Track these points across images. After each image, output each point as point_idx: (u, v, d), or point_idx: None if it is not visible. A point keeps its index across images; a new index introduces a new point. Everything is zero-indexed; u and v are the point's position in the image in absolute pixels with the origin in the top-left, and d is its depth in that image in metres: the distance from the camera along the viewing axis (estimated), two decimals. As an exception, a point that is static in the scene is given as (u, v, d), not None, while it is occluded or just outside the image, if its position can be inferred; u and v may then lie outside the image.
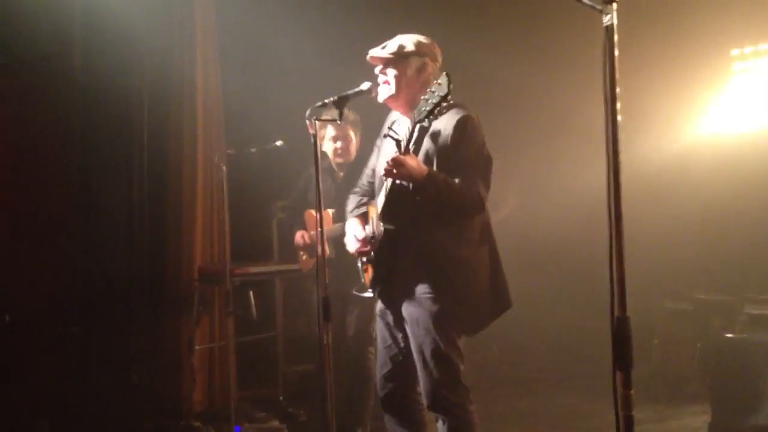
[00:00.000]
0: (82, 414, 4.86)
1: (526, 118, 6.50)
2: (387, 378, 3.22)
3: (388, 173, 2.89)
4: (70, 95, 5.19)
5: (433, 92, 2.76)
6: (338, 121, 3.15)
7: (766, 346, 4.57)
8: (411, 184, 2.89)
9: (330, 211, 4.47)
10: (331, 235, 4.29)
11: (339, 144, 4.59)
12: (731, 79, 5.98)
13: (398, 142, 2.93)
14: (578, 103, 5.60)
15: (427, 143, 3.00)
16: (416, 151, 3.01)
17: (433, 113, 2.79)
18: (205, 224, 5.48)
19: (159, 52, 5.41)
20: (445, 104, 2.76)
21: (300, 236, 4.74)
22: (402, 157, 2.87)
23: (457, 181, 2.91)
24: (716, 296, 5.48)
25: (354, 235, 3.30)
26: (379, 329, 3.28)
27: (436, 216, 2.97)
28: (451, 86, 2.70)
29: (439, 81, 2.75)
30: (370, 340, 4.44)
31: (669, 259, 6.05)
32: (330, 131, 4.57)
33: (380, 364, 3.27)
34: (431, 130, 2.97)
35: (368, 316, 4.38)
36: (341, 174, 4.63)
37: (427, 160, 2.99)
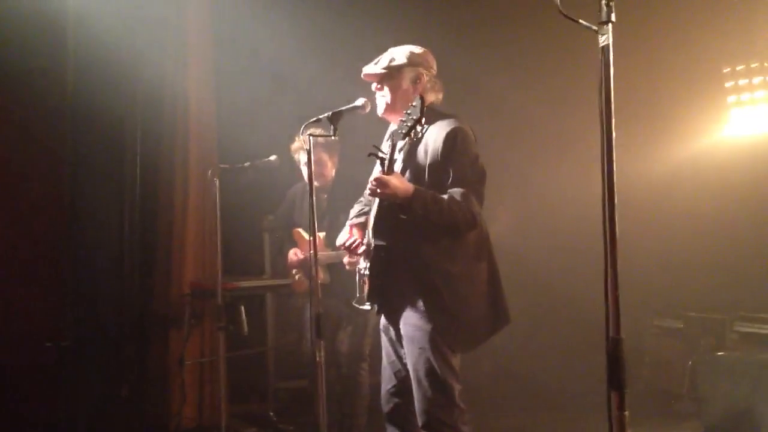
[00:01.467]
0: (72, 428, 4.82)
1: (521, 135, 6.52)
2: (392, 394, 3.18)
3: (372, 193, 2.89)
4: (62, 109, 5.17)
5: (409, 114, 2.81)
6: (333, 137, 3.14)
7: (756, 363, 4.58)
8: (396, 203, 2.88)
9: (321, 235, 4.45)
10: (324, 261, 4.28)
11: (313, 169, 4.55)
12: (723, 98, 6.03)
13: (382, 161, 2.92)
14: (574, 120, 5.62)
15: (418, 156, 2.99)
16: (407, 165, 3.00)
17: (409, 135, 2.83)
18: (197, 239, 5.47)
19: (152, 66, 5.40)
20: (420, 128, 2.80)
21: (293, 253, 4.72)
22: (385, 177, 2.86)
23: (446, 197, 2.89)
24: (707, 314, 5.49)
25: (342, 238, 3.30)
26: (384, 344, 3.24)
27: (426, 232, 2.94)
28: (425, 110, 2.76)
29: (414, 104, 2.80)
30: (363, 356, 4.44)
31: (660, 277, 6.06)
32: (303, 156, 4.48)
33: (385, 379, 3.22)
34: (422, 143, 2.97)
35: (361, 333, 4.38)
36: (325, 196, 4.61)
37: (419, 173, 2.98)
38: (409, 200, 2.84)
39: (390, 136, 2.91)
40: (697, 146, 6.12)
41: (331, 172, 4.62)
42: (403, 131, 2.83)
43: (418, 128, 2.81)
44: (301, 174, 4.61)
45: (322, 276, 4.21)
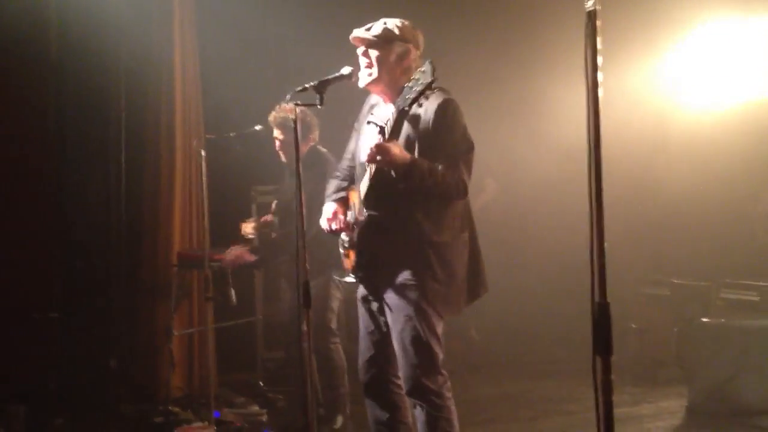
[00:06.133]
0: (61, 399, 4.83)
1: (505, 103, 6.51)
2: (370, 363, 3.21)
3: (371, 159, 2.87)
4: (46, 80, 5.13)
5: (417, 80, 2.74)
6: (318, 106, 3.10)
7: (741, 330, 4.63)
8: (394, 172, 2.88)
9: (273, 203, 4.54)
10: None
11: (278, 147, 4.62)
12: (709, 65, 6.03)
13: (382, 129, 2.91)
14: (559, 86, 5.62)
15: (408, 128, 2.98)
16: (397, 136, 2.99)
17: (417, 101, 2.78)
18: (183, 209, 5.45)
19: (136, 36, 5.34)
20: (429, 92, 2.76)
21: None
22: (386, 144, 2.85)
23: (440, 167, 2.90)
24: (693, 281, 5.53)
25: (326, 217, 3.29)
26: (361, 314, 3.26)
27: (418, 202, 2.96)
28: (436, 73, 2.70)
29: (423, 69, 2.73)
30: (330, 331, 4.46)
31: (646, 244, 6.10)
32: (276, 132, 4.56)
33: (363, 349, 3.25)
34: (412, 114, 2.95)
35: (322, 307, 4.37)
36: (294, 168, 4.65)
37: (409, 144, 2.96)
38: (407, 169, 2.85)
39: (396, 104, 2.86)
40: (683, 114, 6.12)
41: (303, 149, 4.61)
42: (411, 96, 2.76)
43: (428, 92, 2.76)
44: (275, 145, 4.62)
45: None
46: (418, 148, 2.95)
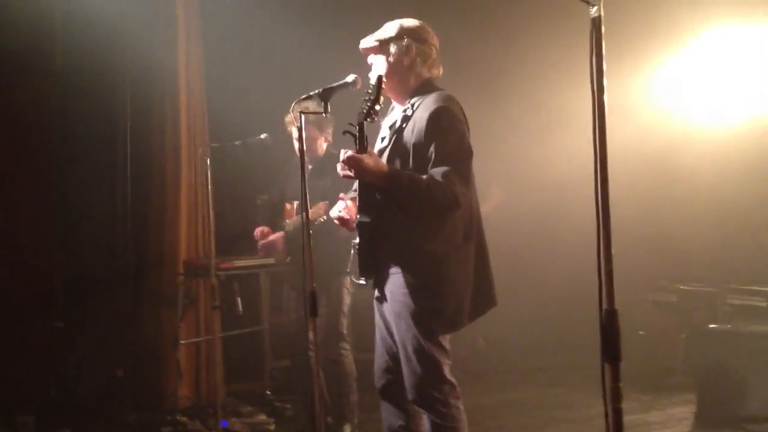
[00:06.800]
0: (67, 409, 4.83)
1: (512, 106, 6.50)
2: (384, 370, 3.16)
3: (344, 172, 2.86)
4: (51, 88, 5.15)
5: (369, 93, 2.81)
6: (324, 114, 3.10)
7: (749, 336, 4.62)
8: (374, 183, 2.85)
9: (295, 203, 4.49)
10: (295, 226, 4.35)
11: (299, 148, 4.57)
12: (716, 71, 6.03)
13: (355, 139, 2.88)
14: (565, 91, 5.61)
15: (404, 135, 2.95)
16: (396, 144, 2.97)
17: (369, 115, 2.83)
18: (189, 218, 5.46)
19: (141, 44, 5.37)
20: (378, 107, 2.82)
21: (259, 231, 4.72)
22: (357, 156, 2.82)
23: (426, 177, 2.83)
24: (700, 287, 5.52)
25: (337, 209, 3.20)
26: (376, 320, 3.19)
27: (409, 211, 2.90)
28: (380, 91, 2.80)
29: (372, 82, 2.82)
30: (342, 336, 4.44)
31: (653, 251, 6.08)
32: (294, 131, 4.53)
33: (377, 355, 3.20)
34: (411, 120, 2.94)
35: (336, 313, 4.37)
36: (310, 167, 4.63)
37: (405, 152, 2.93)
38: (383, 181, 2.81)
39: (358, 116, 2.89)
40: (689, 120, 6.11)
41: (320, 146, 4.58)
42: (364, 110, 2.82)
43: (377, 108, 2.81)
44: (293, 147, 4.61)
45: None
46: (413, 156, 2.90)
